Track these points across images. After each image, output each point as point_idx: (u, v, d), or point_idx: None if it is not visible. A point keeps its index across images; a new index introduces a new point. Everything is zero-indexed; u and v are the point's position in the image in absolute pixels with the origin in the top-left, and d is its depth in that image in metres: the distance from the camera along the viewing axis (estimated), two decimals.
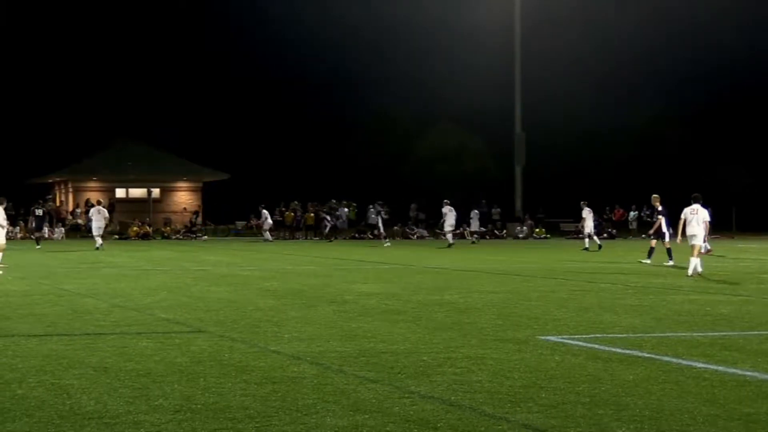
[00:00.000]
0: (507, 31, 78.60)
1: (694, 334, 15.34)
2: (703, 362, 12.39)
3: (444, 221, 55.44)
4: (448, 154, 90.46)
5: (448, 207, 54.79)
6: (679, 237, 30.79)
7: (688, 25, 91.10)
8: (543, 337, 14.68)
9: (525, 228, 72.79)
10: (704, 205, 30.45)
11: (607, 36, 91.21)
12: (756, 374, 11.57)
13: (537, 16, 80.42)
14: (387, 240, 57.35)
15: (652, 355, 12.98)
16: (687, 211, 30.34)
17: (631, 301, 20.74)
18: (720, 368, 11.99)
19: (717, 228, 73.24)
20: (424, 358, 12.59)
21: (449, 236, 54.20)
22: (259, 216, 66.60)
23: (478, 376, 11.35)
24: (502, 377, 11.33)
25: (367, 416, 9.27)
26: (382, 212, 62.44)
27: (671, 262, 34.24)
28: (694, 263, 28.70)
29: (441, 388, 10.64)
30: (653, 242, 36.33)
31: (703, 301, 20.72)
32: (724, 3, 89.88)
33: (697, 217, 29.79)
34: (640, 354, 13.12)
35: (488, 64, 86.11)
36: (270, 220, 64.71)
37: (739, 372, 11.73)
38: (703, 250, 41.47)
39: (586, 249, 46.98)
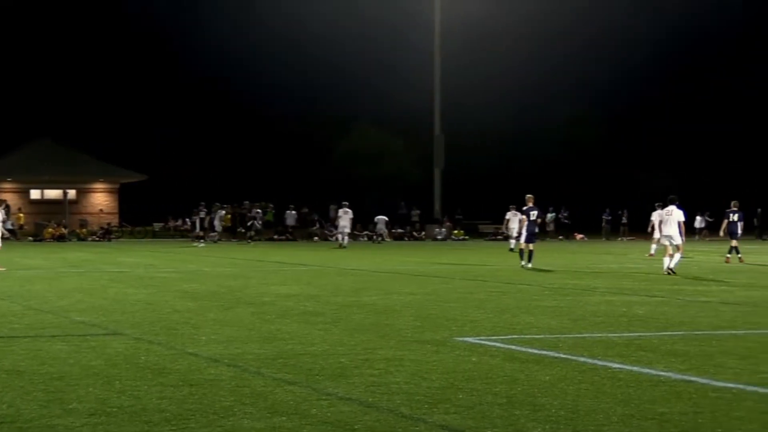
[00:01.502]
0: (427, 33, 78.80)
1: (610, 334, 15.49)
2: (618, 362, 12.51)
3: (338, 222, 57.64)
4: (368, 156, 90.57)
5: (344, 210, 56.41)
6: (657, 236, 33.62)
7: (609, 27, 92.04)
8: (461, 339, 14.72)
9: (444, 230, 73.06)
10: (679, 207, 31.40)
11: (528, 38, 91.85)
12: (670, 374, 11.71)
13: (457, 17, 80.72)
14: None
15: (569, 356, 13.08)
16: (663, 212, 31.60)
17: (548, 302, 20.90)
18: (635, 368, 12.11)
19: (634, 229, 74.36)
20: (342, 360, 12.57)
21: (341, 237, 56.06)
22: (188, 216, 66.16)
23: (396, 378, 11.35)
24: (420, 378, 11.34)
25: (284, 418, 9.23)
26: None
27: (525, 264, 33.98)
28: (669, 260, 30.34)
29: (359, 390, 10.63)
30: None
31: (619, 302, 20.94)
32: (650, 5, 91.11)
33: (672, 218, 30.76)
34: (556, 355, 13.22)
35: (408, 65, 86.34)
36: (217, 222, 64.63)
37: (654, 372, 11.86)
38: (652, 251, 42.58)
39: (512, 250, 47.26)
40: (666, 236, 30.82)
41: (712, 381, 11.26)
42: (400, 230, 70.24)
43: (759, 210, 75.14)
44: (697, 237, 68.79)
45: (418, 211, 77.24)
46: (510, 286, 25.50)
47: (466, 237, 72.52)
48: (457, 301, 20.86)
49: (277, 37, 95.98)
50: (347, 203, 57.00)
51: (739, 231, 39.71)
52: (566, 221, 75.59)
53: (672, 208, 31.03)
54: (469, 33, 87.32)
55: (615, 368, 12.09)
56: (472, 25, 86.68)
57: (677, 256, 30.46)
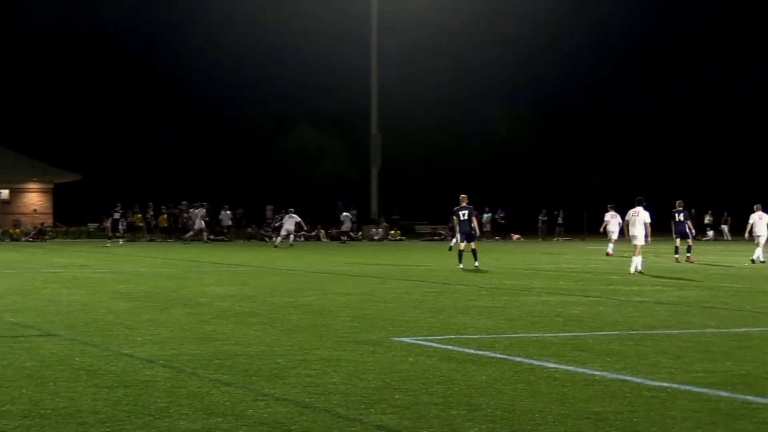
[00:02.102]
0: (365, 32, 78.75)
1: (546, 334, 15.58)
2: (554, 362, 12.58)
3: (282, 224, 59.53)
4: (306, 156, 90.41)
5: (289, 215, 58.71)
6: (614, 237, 36.42)
7: (550, 26, 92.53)
8: (397, 339, 14.73)
9: (380, 230, 73.10)
10: (646, 208, 32.33)
11: (467, 39, 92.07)
12: (605, 374, 11.79)
13: (395, 16, 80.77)
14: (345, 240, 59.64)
15: (505, 356, 13.13)
16: (630, 212, 32.29)
17: (485, 302, 20.97)
18: (570, 368, 12.18)
19: (569, 230, 74.88)
20: (279, 361, 12.53)
21: (281, 239, 57.77)
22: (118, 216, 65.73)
23: (333, 378, 11.34)
24: (357, 379, 11.33)
25: (220, 419, 9.18)
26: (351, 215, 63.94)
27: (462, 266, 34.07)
28: (636, 262, 30.99)
29: (295, 391, 10.60)
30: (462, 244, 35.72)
31: (555, 302, 21.06)
32: (585, 8, 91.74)
33: (638, 219, 31.72)
34: (492, 355, 13.26)
35: (347, 65, 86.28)
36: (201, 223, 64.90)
37: (589, 372, 11.93)
38: (609, 250, 43.26)
39: (451, 249, 47.48)
40: (631, 236, 31.72)
41: (646, 380, 11.36)
42: (336, 230, 70.08)
43: (692, 210, 75.89)
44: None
45: (355, 211, 77.20)
46: (447, 287, 25.56)
47: (403, 237, 72.60)
48: (394, 302, 20.88)
49: (212, 35, 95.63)
50: (293, 210, 59.34)
51: (688, 230, 39.94)
52: (503, 221, 75.90)
53: (639, 209, 31.99)
54: (408, 32, 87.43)
55: (551, 368, 12.15)
56: (411, 24, 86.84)
57: (635, 260, 31.22)
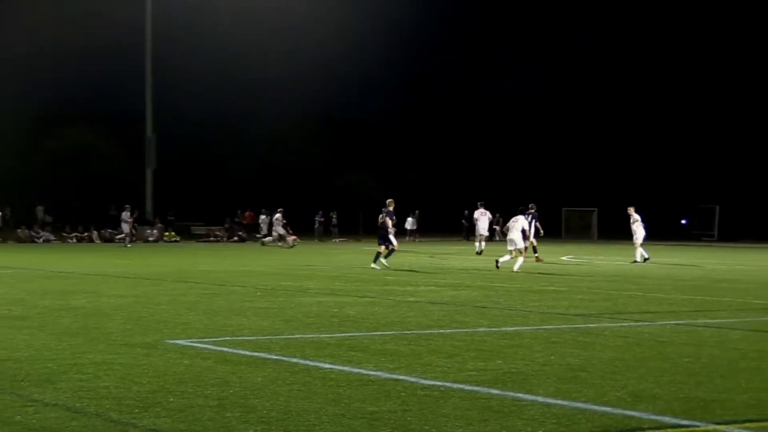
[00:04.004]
0: (140, 31, 77.47)
1: (322, 335, 15.65)
2: (329, 363, 12.64)
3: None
4: (75, 156, 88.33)
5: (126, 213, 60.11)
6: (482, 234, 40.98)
7: (331, 29, 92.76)
8: (172, 341, 14.57)
9: (155, 231, 72.07)
10: (526, 215, 37.42)
11: (243, 39, 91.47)
12: (379, 373, 11.91)
13: (170, 15, 79.74)
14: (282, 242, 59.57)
15: (281, 357, 13.13)
16: (512, 219, 35.55)
17: (261, 303, 20.93)
18: (345, 368, 12.26)
19: (344, 231, 75.51)
20: (49, 365, 12.21)
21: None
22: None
23: (105, 382, 11.12)
24: (130, 382, 11.15)
25: None
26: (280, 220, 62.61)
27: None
28: (519, 262, 33.88)
29: (66, 396, 10.35)
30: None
31: (331, 302, 21.18)
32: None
33: (516, 225, 34.88)
34: (268, 356, 13.25)
35: (120, 64, 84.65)
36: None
37: (364, 372, 12.04)
38: (477, 250, 44.90)
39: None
40: (510, 240, 34.75)
41: (420, 379, 11.53)
42: (111, 231, 68.65)
43: (466, 212, 77.82)
44: (407, 238, 70.31)
45: (131, 213, 75.86)
46: (222, 288, 25.40)
47: (178, 239, 71.82)
48: (169, 304, 20.63)
49: None
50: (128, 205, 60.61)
51: (532, 232, 41.47)
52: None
53: (519, 217, 35.65)
54: (184, 31, 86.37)
55: (326, 368, 12.21)
56: (187, 24, 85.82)
57: (520, 260, 33.97)
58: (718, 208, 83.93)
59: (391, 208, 35.90)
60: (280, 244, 60.60)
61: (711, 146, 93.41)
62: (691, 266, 39.30)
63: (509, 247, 34.66)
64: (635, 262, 40.80)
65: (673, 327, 17.32)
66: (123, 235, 60.82)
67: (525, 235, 35.40)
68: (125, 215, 60.84)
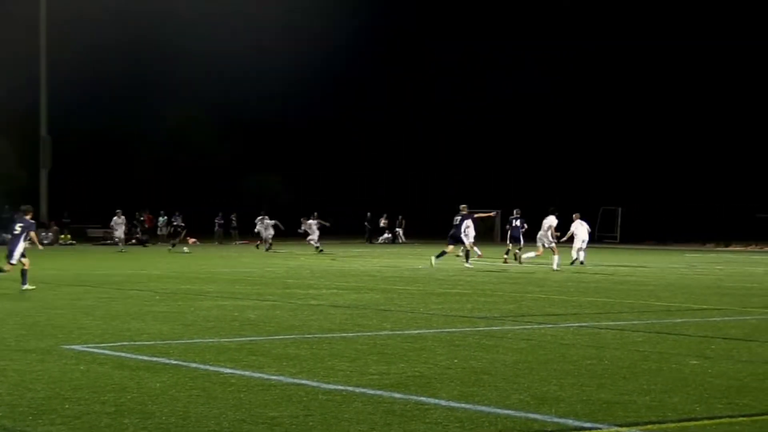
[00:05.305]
0: (34, 29, 76.22)
1: (222, 339, 15.46)
2: (230, 367, 12.48)
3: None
4: None
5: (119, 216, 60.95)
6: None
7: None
8: (68, 347, 14.27)
9: (50, 234, 70.99)
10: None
11: (142, 38, 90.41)
12: (281, 378, 11.78)
13: (69, 13, 78.51)
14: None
15: (180, 362, 12.93)
16: (544, 219, 38.84)
17: (160, 307, 20.64)
18: (246, 373, 12.11)
19: (243, 233, 74.98)
20: None
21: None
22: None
23: None
24: (24, 389, 10.87)
25: None
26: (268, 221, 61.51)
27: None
28: (556, 260, 37.42)
29: None
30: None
31: (231, 306, 20.97)
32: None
33: (543, 225, 38.57)
34: (167, 361, 13.03)
35: (14, 63, 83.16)
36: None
37: (265, 376, 11.90)
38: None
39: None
40: (538, 238, 38.82)
41: (322, 384, 11.41)
42: (5, 234, 67.48)
43: (369, 214, 77.94)
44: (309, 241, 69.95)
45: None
46: (120, 292, 25.04)
47: (74, 241, 70.84)
48: (65, 308, 20.25)
49: None
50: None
51: (521, 235, 42.94)
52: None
53: (550, 217, 38.51)
54: (79, 31, 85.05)
55: (226, 373, 12.05)
56: (82, 23, 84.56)
57: (556, 258, 37.34)
58: (620, 209, 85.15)
59: (465, 212, 39.44)
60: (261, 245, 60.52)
61: (613, 148, 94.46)
62: (593, 267, 39.71)
63: (537, 244, 38.86)
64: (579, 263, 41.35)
65: (576, 329, 17.42)
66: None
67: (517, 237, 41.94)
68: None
